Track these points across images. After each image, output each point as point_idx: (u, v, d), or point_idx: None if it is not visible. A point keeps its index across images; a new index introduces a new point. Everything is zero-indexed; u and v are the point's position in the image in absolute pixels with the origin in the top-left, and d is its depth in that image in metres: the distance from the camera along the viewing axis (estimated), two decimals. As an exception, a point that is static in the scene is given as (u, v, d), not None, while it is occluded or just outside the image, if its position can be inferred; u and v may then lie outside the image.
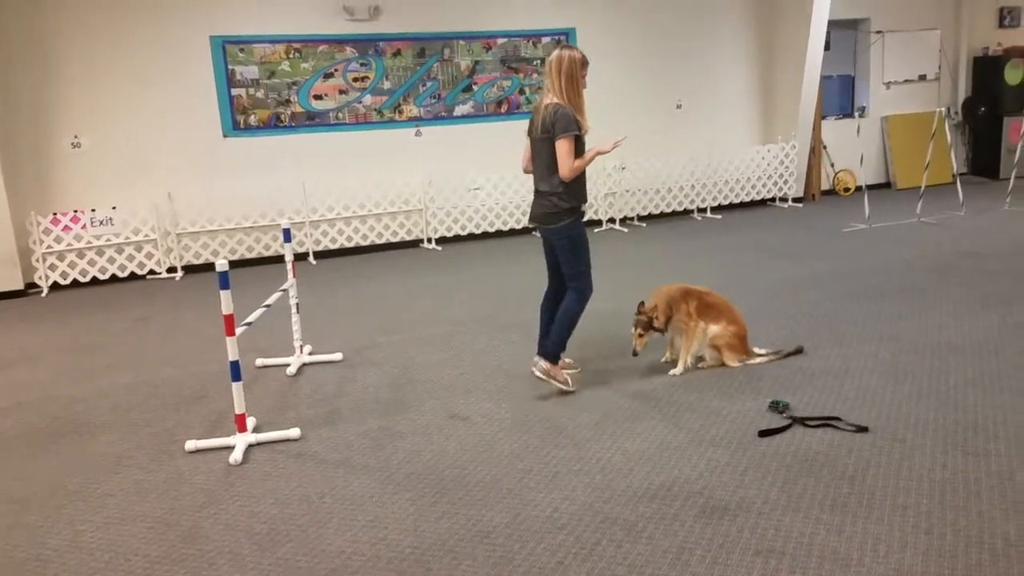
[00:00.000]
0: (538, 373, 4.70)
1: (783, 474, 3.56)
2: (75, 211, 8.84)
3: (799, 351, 5.18)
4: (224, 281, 4.07)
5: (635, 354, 5.03)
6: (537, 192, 4.72)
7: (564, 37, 10.91)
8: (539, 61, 10.84)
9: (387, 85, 10.24)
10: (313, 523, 3.39)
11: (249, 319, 4.63)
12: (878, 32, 12.62)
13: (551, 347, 4.72)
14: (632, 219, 11.29)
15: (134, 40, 9.09)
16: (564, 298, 4.73)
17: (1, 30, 8.54)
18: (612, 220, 11.07)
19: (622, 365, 5.19)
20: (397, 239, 10.31)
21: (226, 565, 3.10)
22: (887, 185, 13.06)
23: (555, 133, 4.45)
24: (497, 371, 5.23)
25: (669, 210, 11.49)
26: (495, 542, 3.15)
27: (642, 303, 5.04)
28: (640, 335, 4.98)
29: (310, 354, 5.70)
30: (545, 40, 10.84)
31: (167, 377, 5.52)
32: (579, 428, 4.22)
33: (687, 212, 11.68)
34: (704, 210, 11.67)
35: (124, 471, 4.03)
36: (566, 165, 4.48)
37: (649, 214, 11.39)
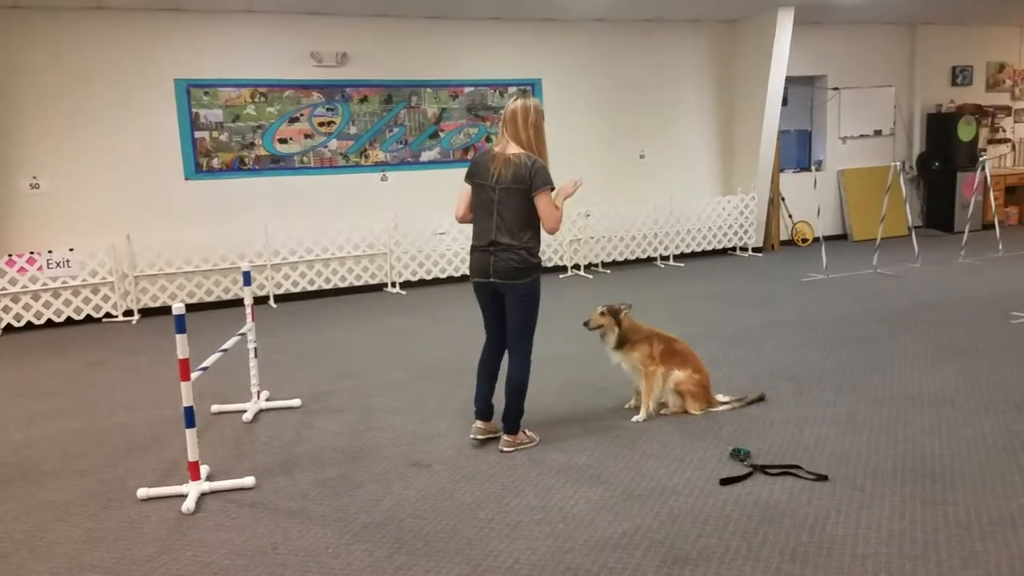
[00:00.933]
0: (507, 449, 4.57)
1: (744, 523, 3.55)
2: (31, 253, 8.67)
3: (761, 399, 5.21)
4: (180, 325, 4.00)
5: (586, 324, 5.08)
6: (495, 244, 4.43)
7: (530, 88, 11.07)
8: (505, 110, 10.96)
9: (353, 130, 10.28)
10: (266, 575, 3.29)
11: (205, 364, 4.55)
12: (835, 88, 12.99)
13: (512, 420, 4.58)
14: (596, 266, 11.37)
15: (97, 80, 9.04)
16: (510, 365, 4.55)
17: (-39, 68, 8.44)
18: (576, 266, 11.14)
19: (586, 411, 5.18)
20: (361, 283, 10.26)
21: (174, 619, 3.00)
22: (844, 236, 13.34)
23: (536, 185, 4.33)
24: (460, 417, 5.17)
25: (633, 257, 11.60)
26: (454, 594, 3.09)
27: (623, 304, 5.16)
28: (602, 314, 5.04)
29: (268, 400, 5.61)
30: (511, 89, 10.98)
31: (120, 422, 5.38)
32: (542, 476, 4.18)
33: (650, 259, 11.79)
34: (667, 258, 11.80)
35: (73, 519, 3.90)
36: (555, 217, 4.41)
37: (613, 261, 11.48)
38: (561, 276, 10.74)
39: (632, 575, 3.15)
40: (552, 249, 10.91)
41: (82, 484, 4.33)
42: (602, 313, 5.06)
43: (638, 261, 11.70)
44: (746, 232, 12.16)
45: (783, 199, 12.76)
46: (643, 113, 11.84)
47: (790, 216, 12.90)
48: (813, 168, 13.11)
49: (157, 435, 5.07)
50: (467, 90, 10.80)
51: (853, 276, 9.84)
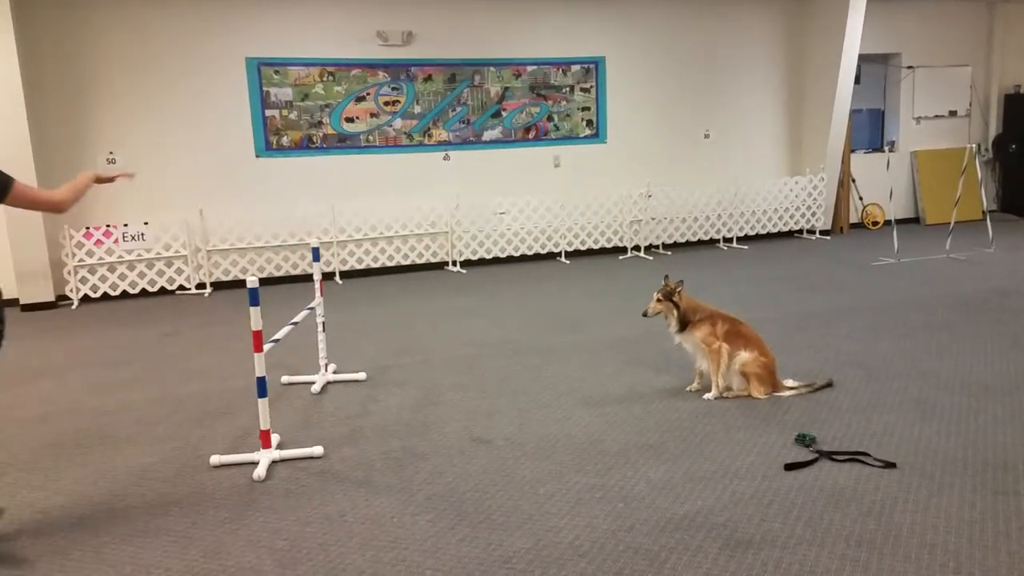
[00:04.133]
0: None
1: (809, 508, 3.51)
2: (108, 226, 8.99)
3: (829, 384, 5.12)
4: (254, 298, 4.11)
5: (645, 314, 5.13)
6: None
7: (594, 65, 10.99)
8: (568, 89, 10.91)
9: (417, 109, 10.35)
10: (334, 542, 3.39)
11: (277, 336, 4.67)
12: (909, 67, 12.59)
13: None
14: (657, 247, 11.27)
15: (172, 58, 9.27)
16: None
17: (37, 46, 8.75)
18: (637, 248, 11.06)
19: (645, 393, 5.17)
20: (423, 261, 10.37)
21: (247, 581, 3.11)
22: (915, 220, 12.96)
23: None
24: (519, 395, 5.22)
25: (695, 239, 11.47)
26: (516, 567, 3.13)
27: (667, 276, 5.18)
28: (659, 300, 5.05)
29: (335, 373, 5.73)
30: (575, 68, 10.91)
31: (193, 391, 5.57)
32: (602, 456, 4.20)
33: (713, 241, 11.64)
34: (730, 240, 11.63)
35: (149, 484, 4.06)
36: (44, 199, 3.92)
37: (674, 242, 11.37)
38: (621, 257, 10.68)
39: (693, 557, 3.15)
40: (612, 230, 10.85)
41: (157, 450, 4.50)
42: (659, 300, 5.03)
43: (700, 243, 11.56)
44: (814, 214, 11.90)
45: (853, 181, 12.45)
46: (708, 91, 11.64)
47: (860, 198, 12.58)
48: (885, 149, 12.74)
49: (229, 404, 5.24)
50: (530, 69, 10.76)
51: (925, 261, 9.57)
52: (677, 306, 5.02)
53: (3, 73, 8.17)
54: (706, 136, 11.73)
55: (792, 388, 5.06)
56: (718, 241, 11.64)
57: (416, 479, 3.99)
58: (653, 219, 11.08)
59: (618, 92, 11.08)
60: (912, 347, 5.98)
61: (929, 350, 5.89)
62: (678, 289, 5.04)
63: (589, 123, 11.02)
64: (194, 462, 4.31)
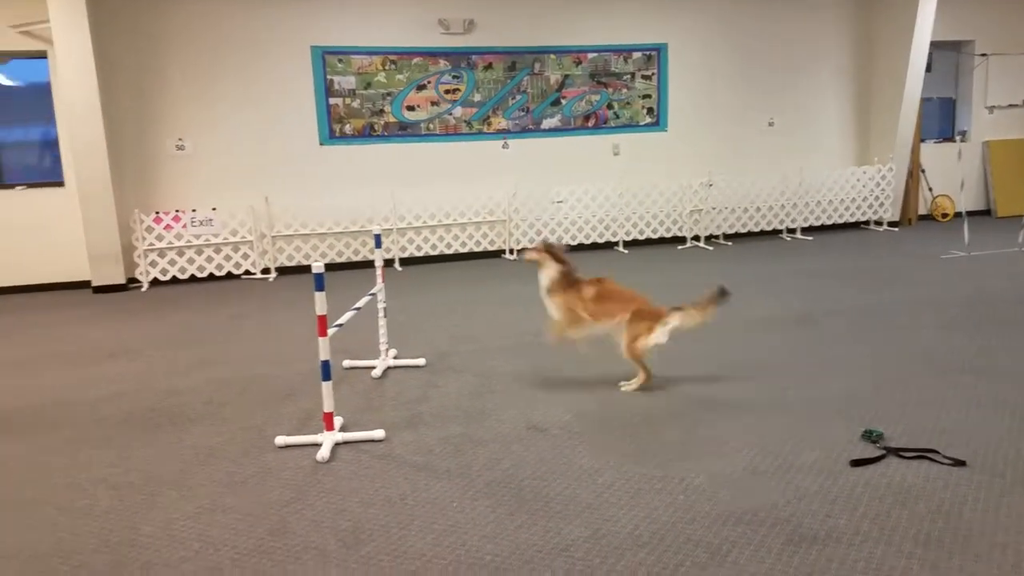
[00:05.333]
0: None
1: (875, 506, 3.44)
2: (177, 211, 9.23)
3: (723, 294, 4.93)
4: (319, 283, 4.18)
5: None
6: None
7: (656, 52, 10.86)
8: (629, 76, 10.81)
9: (477, 97, 10.37)
10: (396, 524, 3.44)
11: (340, 321, 4.75)
12: (982, 55, 12.16)
13: None
14: (717, 237, 11.13)
15: (240, 47, 9.46)
16: None
17: (108, 34, 8.99)
18: (696, 238, 10.93)
19: (707, 384, 5.12)
20: (480, 249, 10.41)
21: (312, 560, 3.17)
22: (987, 212, 12.55)
23: None
24: (575, 385, 5.21)
25: (757, 229, 11.28)
26: (574, 556, 3.14)
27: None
28: (537, 250, 5.23)
29: (395, 358, 5.81)
30: (636, 55, 10.80)
31: (259, 374, 5.70)
32: (662, 447, 4.17)
33: (776, 232, 11.44)
34: (794, 230, 11.41)
35: (216, 463, 4.17)
36: None
37: (736, 232, 11.21)
38: (680, 247, 10.57)
39: (756, 551, 3.12)
40: (671, 220, 10.74)
41: (224, 431, 4.62)
42: (537, 250, 5.23)
43: (763, 233, 11.37)
44: (881, 205, 11.60)
45: (923, 171, 12.10)
46: (772, 78, 11.42)
47: (930, 189, 12.23)
48: (957, 139, 12.35)
49: (293, 387, 5.35)
50: (590, 56, 10.69)
51: (997, 254, 9.26)
52: (560, 261, 5.15)
53: (78, 60, 8.44)
54: (770, 124, 11.52)
55: (678, 311, 4.93)
56: (781, 232, 11.43)
57: (475, 465, 4.02)
58: (714, 209, 10.93)
59: (680, 79, 10.94)
60: (983, 342, 5.80)
61: (1000, 346, 5.70)
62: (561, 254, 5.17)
63: (650, 111, 10.91)
64: (259, 443, 4.41)
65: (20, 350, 6.66)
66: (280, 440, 4.33)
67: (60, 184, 9.17)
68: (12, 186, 9.23)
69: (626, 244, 10.66)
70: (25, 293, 9.10)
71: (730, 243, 10.88)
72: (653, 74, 10.90)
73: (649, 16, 10.81)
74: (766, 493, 3.60)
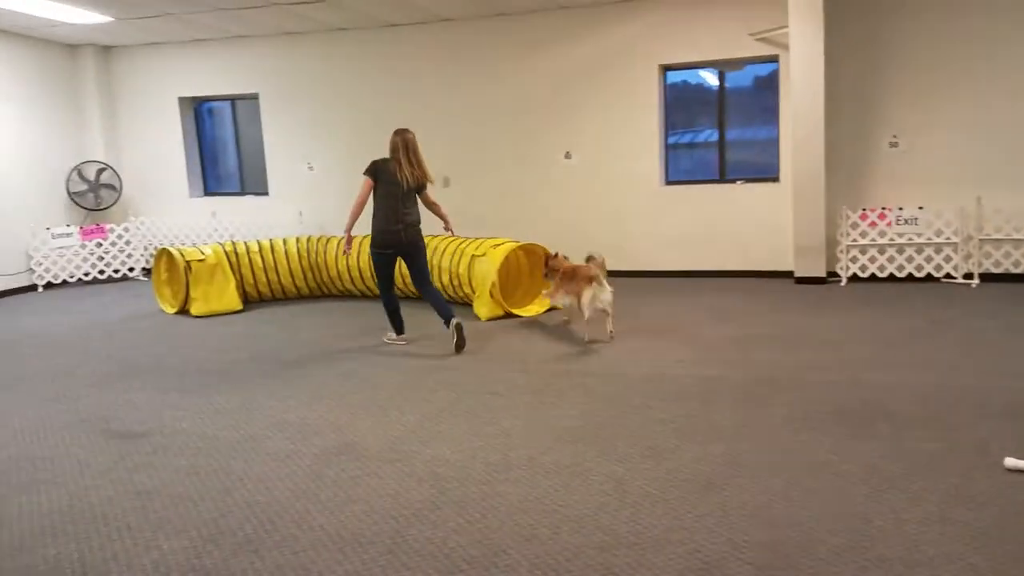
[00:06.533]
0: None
1: None
2: (883, 208, 9.24)
3: None
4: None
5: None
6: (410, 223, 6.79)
7: None
8: None
9: None
10: None
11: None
12: None
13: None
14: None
15: (962, 41, 8.96)
16: (433, 290, 6.96)
17: (837, 38, 9.31)
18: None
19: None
20: None
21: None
22: None
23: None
24: None
25: None
26: None
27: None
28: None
29: None
30: None
31: (967, 384, 5.38)
32: None
33: None
34: None
35: (936, 475, 3.98)
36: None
37: None
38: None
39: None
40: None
41: (943, 438, 4.47)
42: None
43: None
44: None
45: None
46: None
47: None
48: None
49: (1013, 404, 4.92)
50: None
51: None
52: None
53: (809, 64, 8.98)
54: None
55: None
56: None
57: None
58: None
59: None
60: None
61: None
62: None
63: None
64: (976, 459, 4.14)
65: (736, 330, 7.44)
66: (1010, 462, 4.01)
67: (775, 180, 9.97)
68: (733, 180, 10.38)
69: None
70: (733, 278, 10.14)
71: None
72: None
73: None
74: None
